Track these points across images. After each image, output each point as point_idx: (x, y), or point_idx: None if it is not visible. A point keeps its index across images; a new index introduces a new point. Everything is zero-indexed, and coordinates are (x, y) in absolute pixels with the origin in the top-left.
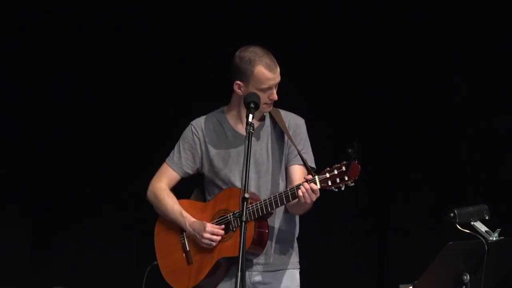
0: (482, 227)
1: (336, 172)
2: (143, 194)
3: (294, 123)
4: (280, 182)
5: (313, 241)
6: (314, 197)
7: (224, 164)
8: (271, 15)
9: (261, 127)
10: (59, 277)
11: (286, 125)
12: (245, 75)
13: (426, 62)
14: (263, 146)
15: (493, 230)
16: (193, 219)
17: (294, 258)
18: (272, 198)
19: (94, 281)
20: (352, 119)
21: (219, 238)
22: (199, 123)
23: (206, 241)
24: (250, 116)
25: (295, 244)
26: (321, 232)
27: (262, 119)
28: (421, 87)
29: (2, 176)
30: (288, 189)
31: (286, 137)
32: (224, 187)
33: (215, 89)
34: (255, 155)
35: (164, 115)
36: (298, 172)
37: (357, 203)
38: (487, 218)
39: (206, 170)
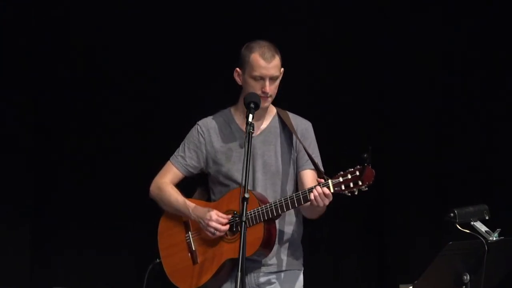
0: (482, 227)
1: (349, 176)
2: (143, 194)
3: (303, 127)
4: (288, 183)
5: (313, 241)
6: (327, 201)
7: (232, 164)
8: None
9: (269, 128)
10: (59, 277)
11: (295, 128)
12: (243, 62)
13: (425, 61)
14: (271, 147)
15: (493, 230)
16: (197, 205)
17: (299, 259)
18: (283, 200)
19: (94, 281)
20: (353, 118)
21: (223, 228)
22: (205, 123)
23: (211, 229)
24: (250, 116)
25: (299, 244)
26: (320, 232)
27: (271, 120)
28: (422, 86)
29: (1, 175)
30: (300, 192)
31: (294, 139)
32: (231, 187)
33: (222, 89)
34: (263, 157)
35: (167, 116)
36: (310, 177)
37: (356, 203)
38: (487, 218)
39: (212, 170)
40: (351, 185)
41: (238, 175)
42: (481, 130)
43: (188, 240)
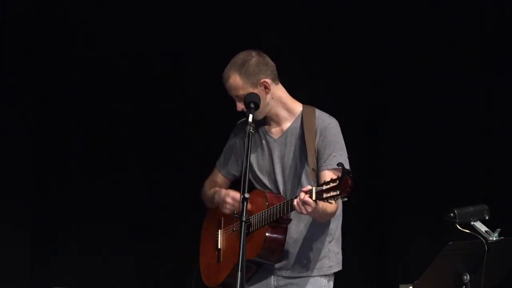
0: (482, 227)
1: (330, 185)
2: (144, 194)
3: (323, 125)
4: (306, 186)
5: None
6: (309, 209)
7: (259, 168)
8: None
9: (291, 129)
10: (59, 277)
11: (316, 127)
12: None
13: (425, 61)
14: (291, 149)
15: (493, 230)
16: (221, 189)
17: (324, 265)
18: (280, 205)
19: (94, 281)
20: (353, 118)
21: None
22: (240, 126)
23: (227, 206)
24: (250, 116)
25: (326, 250)
26: None
27: (293, 120)
28: (422, 85)
29: (2, 175)
30: (294, 198)
31: (316, 140)
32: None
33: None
34: (283, 159)
35: (165, 116)
36: (327, 178)
37: (356, 203)
38: (487, 218)
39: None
40: (331, 193)
41: (263, 179)
42: (481, 130)
43: (217, 238)
